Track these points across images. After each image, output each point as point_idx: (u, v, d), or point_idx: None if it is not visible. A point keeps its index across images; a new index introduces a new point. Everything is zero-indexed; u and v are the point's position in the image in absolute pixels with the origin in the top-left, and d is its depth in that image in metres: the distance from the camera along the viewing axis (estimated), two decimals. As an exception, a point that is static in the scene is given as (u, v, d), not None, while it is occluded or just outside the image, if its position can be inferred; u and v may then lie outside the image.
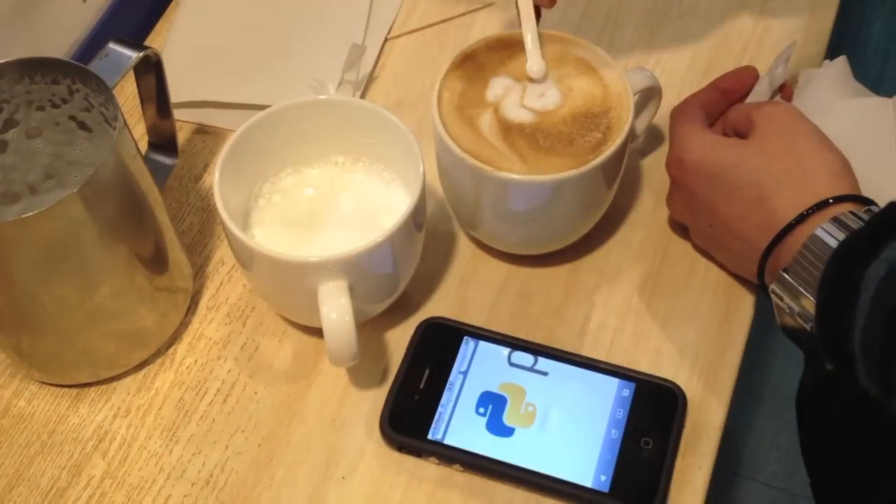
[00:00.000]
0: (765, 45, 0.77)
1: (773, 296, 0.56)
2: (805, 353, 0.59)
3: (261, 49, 0.77)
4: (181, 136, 0.72)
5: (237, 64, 0.76)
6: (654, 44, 0.78)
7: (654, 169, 0.71)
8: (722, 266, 0.65)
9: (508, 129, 0.59)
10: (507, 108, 0.60)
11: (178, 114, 0.70)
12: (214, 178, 0.59)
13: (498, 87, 0.61)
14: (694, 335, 0.63)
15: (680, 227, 0.67)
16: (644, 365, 0.62)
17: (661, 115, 0.69)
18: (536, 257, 0.66)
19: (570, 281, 0.66)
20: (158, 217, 0.61)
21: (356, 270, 0.56)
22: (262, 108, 0.64)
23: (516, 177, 0.57)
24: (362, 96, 0.75)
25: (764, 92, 0.66)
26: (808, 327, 0.54)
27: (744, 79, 0.66)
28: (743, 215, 0.58)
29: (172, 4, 0.82)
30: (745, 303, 0.64)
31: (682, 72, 0.76)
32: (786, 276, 0.55)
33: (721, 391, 0.61)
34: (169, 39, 0.78)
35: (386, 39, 0.78)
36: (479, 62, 0.63)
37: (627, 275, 0.66)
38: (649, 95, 0.66)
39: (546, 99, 0.61)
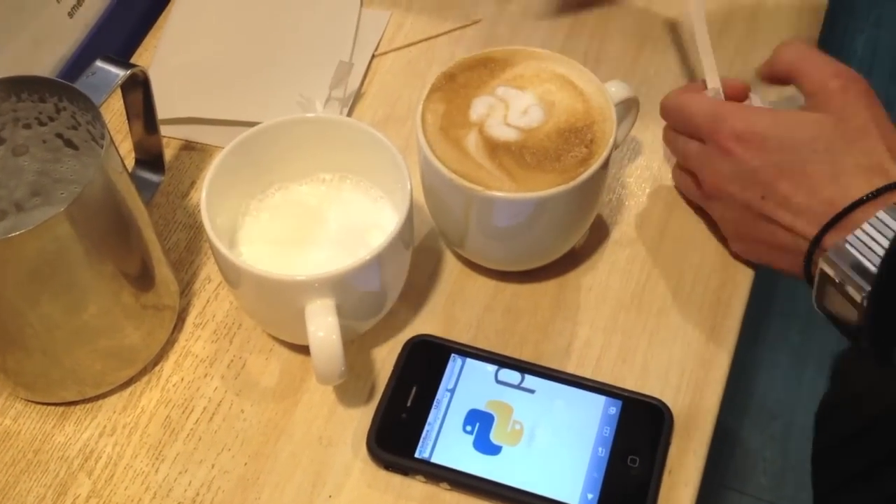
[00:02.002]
0: (751, 59, 0.78)
1: (824, 267, 0.56)
2: (846, 335, 0.58)
3: (248, 66, 0.78)
4: (168, 153, 0.73)
5: (224, 80, 0.77)
6: (640, 60, 0.78)
7: (637, 185, 0.71)
8: (707, 277, 0.66)
9: (495, 148, 0.59)
10: (491, 126, 0.60)
11: (164, 130, 0.70)
12: (202, 196, 0.59)
13: (481, 106, 0.61)
14: (680, 351, 0.63)
15: (667, 243, 0.68)
16: (630, 382, 0.62)
17: (639, 128, 0.70)
18: (523, 273, 0.67)
19: (556, 297, 0.66)
20: (145, 234, 0.61)
21: (344, 289, 0.57)
22: (249, 124, 0.64)
23: (506, 195, 0.57)
24: (350, 113, 0.75)
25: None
26: (859, 298, 0.54)
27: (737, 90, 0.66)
28: (812, 189, 0.58)
29: (160, 20, 0.82)
30: (732, 318, 0.65)
31: (670, 88, 0.76)
32: (847, 246, 0.55)
33: (707, 407, 0.61)
34: (156, 55, 0.78)
35: (373, 56, 0.78)
36: (460, 82, 0.63)
37: (614, 291, 0.66)
38: (628, 107, 0.67)
39: (529, 116, 0.61)
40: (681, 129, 0.65)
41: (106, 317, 0.58)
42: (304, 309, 0.56)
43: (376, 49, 0.79)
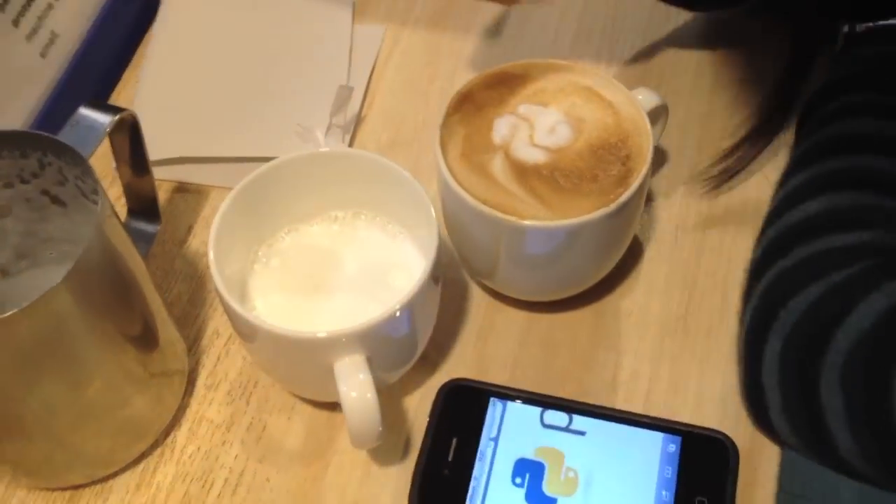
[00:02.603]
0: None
1: None
2: None
3: (238, 97, 0.72)
4: (159, 197, 0.67)
5: (214, 115, 0.71)
6: (654, 60, 0.73)
7: (666, 196, 0.66)
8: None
9: (524, 172, 0.54)
10: (517, 149, 0.55)
11: (154, 172, 0.65)
12: (210, 250, 0.53)
13: (503, 127, 0.56)
14: (735, 376, 0.59)
15: (706, 257, 0.63)
16: (686, 415, 0.57)
17: (666, 136, 0.66)
18: (555, 303, 0.62)
19: (594, 326, 0.61)
20: (147, 294, 0.55)
21: (374, 341, 0.51)
22: (245, 160, 0.60)
23: (543, 224, 0.53)
24: (352, 139, 0.70)
25: None
26: None
27: None
28: None
29: (139, 53, 0.77)
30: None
31: (689, 87, 0.71)
32: None
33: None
34: (139, 92, 0.73)
35: (371, 76, 0.73)
36: (478, 102, 0.58)
37: (655, 315, 0.61)
38: (656, 115, 0.62)
39: (557, 135, 0.56)
40: None
41: (112, 391, 0.53)
42: (332, 367, 0.51)
43: (373, 69, 0.74)
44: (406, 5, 0.78)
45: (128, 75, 0.75)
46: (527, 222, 0.52)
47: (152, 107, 0.71)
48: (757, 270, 0.56)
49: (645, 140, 0.55)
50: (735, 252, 0.63)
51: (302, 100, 0.70)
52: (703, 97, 0.71)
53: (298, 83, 0.72)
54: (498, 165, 0.55)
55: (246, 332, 0.53)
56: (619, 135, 0.56)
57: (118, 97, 0.74)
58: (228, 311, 0.52)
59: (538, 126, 0.56)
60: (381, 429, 0.51)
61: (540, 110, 0.57)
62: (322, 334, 0.50)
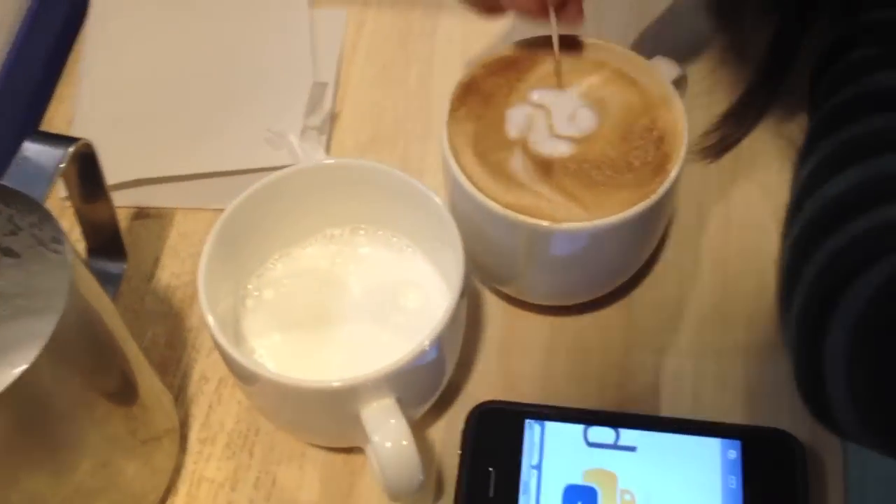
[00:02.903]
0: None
1: None
2: None
3: (195, 107, 0.64)
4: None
5: (169, 128, 0.63)
6: (647, 20, 0.67)
7: (686, 172, 0.60)
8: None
9: (549, 168, 0.48)
10: (537, 142, 0.49)
11: (109, 201, 0.57)
12: (200, 295, 0.46)
13: (518, 118, 0.50)
14: (786, 368, 0.53)
15: (736, 234, 0.58)
16: (739, 413, 0.52)
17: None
18: (579, 304, 0.56)
19: (626, 325, 0.56)
20: (124, 347, 0.48)
21: (404, 382, 0.45)
22: (210, 175, 0.52)
23: (581, 226, 0.46)
24: (328, 140, 0.62)
25: None
26: None
27: None
28: None
29: (69, 65, 0.68)
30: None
31: (690, 50, 0.66)
32: None
33: (831, 427, 0.52)
34: (78, 110, 0.64)
35: (339, 68, 0.66)
36: (484, 92, 0.51)
37: (690, 306, 0.56)
38: (677, 87, 0.56)
39: (579, 121, 0.50)
40: None
41: (102, 469, 0.45)
42: (356, 414, 0.44)
43: (340, 58, 0.66)
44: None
45: (61, 92, 0.66)
46: (563, 226, 0.46)
47: (96, 126, 0.63)
48: (800, 253, 0.50)
49: (678, 117, 0.49)
50: (765, 226, 0.58)
51: (266, 102, 0.63)
52: (709, 60, 0.65)
53: (259, 84, 0.64)
54: (518, 163, 0.48)
55: (254, 385, 0.46)
56: (648, 115, 0.50)
57: (53, 116, 0.65)
58: (231, 364, 0.45)
59: (556, 113, 0.50)
60: (422, 477, 0.45)
61: (556, 95, 0.50)
62: (346, 383, 0.43)
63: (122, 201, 0.60)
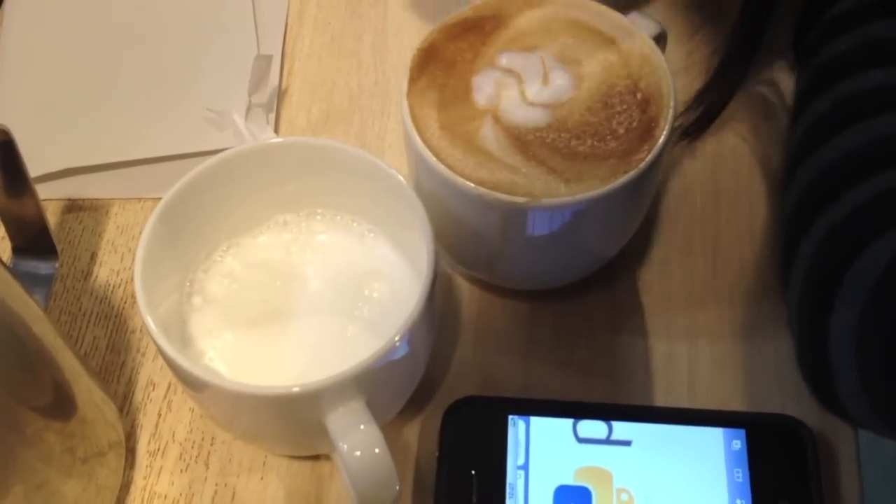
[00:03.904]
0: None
1: None
2: None
3: (128, 88, 0.58)
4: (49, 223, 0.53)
5: (103, 112, 0.57)
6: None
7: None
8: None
9: (524, 140, 0.43)
10: (509, 110, 0.44)
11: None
12: (138, 292, 0.41)
13: (486, 84, 0.45)
14: (786, 345, 0.49)
15: (725, 206, 0.53)
16: (739, 400, 0.48)
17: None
18: (560, 287, 0.51)
19: (612, 307, 0.51)
20: (57, 356, 0.43)
21: (373, 382, 0.40)
22: (150, 161, 0.47)
23: (564, 200, 0.42)
24: (276, 119, 0.57)
25: None
26: None
27: None
28: None
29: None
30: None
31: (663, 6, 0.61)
32: None
33: (838, 408, 0.48)
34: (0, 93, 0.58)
35: (284, 40, 0.60)
36: (447, 59, 0.46)
37: (681, 283, 0.52)
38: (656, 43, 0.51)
39: (554, 86, 0.45)
40: None
41: (37, 492, 0.40)
42: (321, 421, 0.40)
43: (286, 30, 0.61)
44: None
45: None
46: (542, 202, 0.41)
47: (17, 112, 0.57)
48: (797, 225, 0.46)
49: (661, 77, 0.45)
50: (756, 193, 0.54)
51: (206, 79, 0.57)
52: (687, 24, 0.60)
53: (198, 59, 0.59)
54: (489, 134, 0.43)
55: (204, 393, 0.41)
56: (629, 76, 0.45)
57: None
58: (177, 371, 0.40)
59: (528, 78, 0.45)
60: (398, 488, 0.40)
61: (526, 57, 0.45)
62: (308, 387, 0.38)
63: (52, 194, 0.55)
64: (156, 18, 0.61)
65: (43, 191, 0.54)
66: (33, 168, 0.50)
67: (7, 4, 0.62)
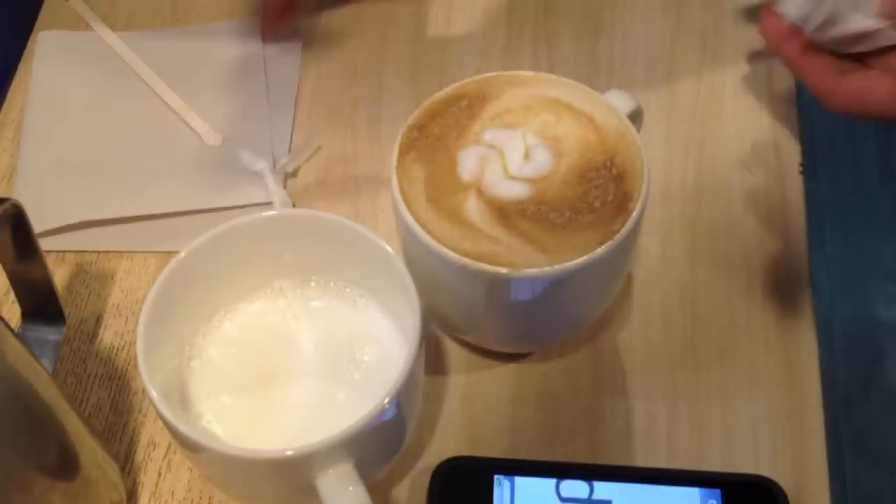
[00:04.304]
0: (722, 29, 0.66)
1: None
2: None
3: (144, 148, 0.62)
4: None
5: (111, 166, 0.61)
6: (599, 52, 0.65)
7: (648, 208, 0.58)
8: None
9: (505, 212, 0.46)
10: (491, 184, 0.47)
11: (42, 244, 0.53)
12: (139, 359, 0.43)
13: (470, 160, 0.47)
14: (764, 407, 0.51)
15: (702, 270, 0.56)
16: (717, 460, 0.50)
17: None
18: (545, 349, 0.53)
19: (594, 369, 0.53)
20: (63, 418, 0.45)
21: (362, 445, 0.42)
22: (151, 217, 0.55)
23: (542, 271, 0.44)
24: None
25: None
26: None
27: None
28: None
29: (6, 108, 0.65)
30: (808, 349, 0.53)
31: (643, 78, 0.64)
32: None
33: (813, 470, 0.50)
34: (23, 149, 0.62)
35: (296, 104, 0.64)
36: (434, 134, 0.49)
37: (659, 346, 0.54)
38: (632, 120, 0.54)
39: (535, 161, 0.47)
40: None
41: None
42: (312, 483, 0.42)
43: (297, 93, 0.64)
44: (310, 20, 0.68)
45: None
46: (523, 272, 0.44)
47: (40, 168, 0.61)
48: None
49: (635, 153, 0.47)
50: (730, 262, 0.56)
51: (229, 138, 0.62)
52: (661, 87, 0.63)
53: (212, 118, 0.63)
54: (472, 207, 0.46)
55: (201, 455, 0.43)
56: (605, 152, 0.47)
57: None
58: (176, 434, 0.42)
59: (510, 154, 0.47)
60: (385, 548, 0.42)
61: (508, 134, 0.48)
62: (299, 451, 0.40)
63: (53, 245, 0.58)
64: (170, 77, 0.65)
65: (60, 244, 0.58)
66: (55, 220, 0.56)
67: (36, 63, 0.66)
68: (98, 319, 0.56)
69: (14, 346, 0.42)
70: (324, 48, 0.66)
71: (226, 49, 0.66)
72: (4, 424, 0.39)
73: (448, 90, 0.50)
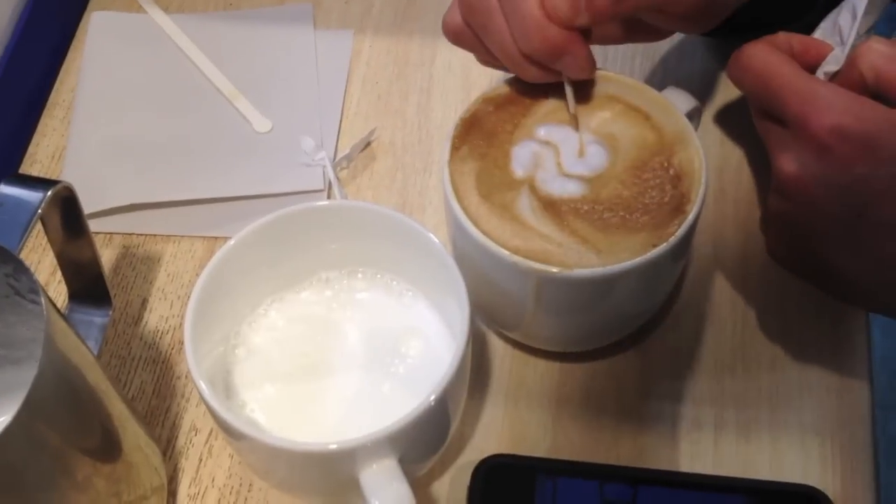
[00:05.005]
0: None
1: None
2: None
3: (197, 131, 0.62)
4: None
5: (167, 148, 0.61)
6: (655, 47, 0.64)
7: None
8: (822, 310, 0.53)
9: (559, 210, 0.45)
10: (545, 181, 0.46)
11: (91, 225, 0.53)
12: (187, 347, 0.43)
13: (524, 156, 0.47)
14: (812, 414, 0.51)
15: (757, 275, 0.54)
16: (764, 467, 0.49)
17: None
18: (592, 349, 0.53)
19: (641, 370, 0.52)
20: (107, 402, 0.45)
21: (406, 441, 0.42)
22: (205, 202, 0.55)
23: (593, 272, 0.43)
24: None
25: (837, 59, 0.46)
26: None
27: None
28: None
29: (54, 93, 0.65)
30: (859, 357, 0.52)
31: (699, 75, 0.63)
32: None
33: (862, 476, 0.49)
34: (73, 129, 0.62)
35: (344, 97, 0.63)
36: (487, 129, 0.48)
37: (709, 349, 0.53)
38: (691, 119, 0.53)
39: (590, 159, 0.47)
40: (756, 101, 0.47)
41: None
42: (355, 477, 0.41)
43: (347, 81, 0.64)
44: (362, 7, 0.67)
45: (44, 126, 0.63)
46: (575, 272, 0.43)
47: (87, 147, 0.61)
48: None
49: (694, 154, 0.46)
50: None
51: (276, 125, 0.61)
52: (717, 84, 0.62)
53: (263, 106, 0.62)
54: (525, 204, 0.45)
55: (244, 443, 0.43)
56: (663, 151, 0.46)
57: (43, 129, 0.63)
58: (220, 422, 0.42)
59: (565, 151, 0.47)
60: (426, 545, 0.42)
61: (564, 131, 0.47)
62: (343, 445, 0.40)
63: (103, 227, 0.58)
64: (221, 61, 0.65)
65: (97, 225, 0.57)
66: (97, 203, 0.55)
67: (88, 44, 0.66)
68: (143, 303, 0.56)
69: (61, 327, 0.42)
70: (376, 36, 0.66)
71: (277, 34, 0.65)
72: (50, 406, 0.39)
73: (503, 84, 0.49)
